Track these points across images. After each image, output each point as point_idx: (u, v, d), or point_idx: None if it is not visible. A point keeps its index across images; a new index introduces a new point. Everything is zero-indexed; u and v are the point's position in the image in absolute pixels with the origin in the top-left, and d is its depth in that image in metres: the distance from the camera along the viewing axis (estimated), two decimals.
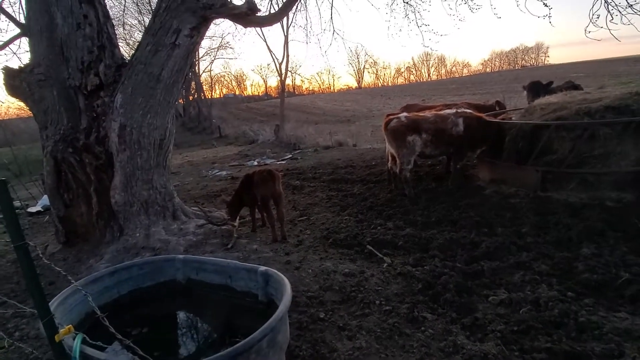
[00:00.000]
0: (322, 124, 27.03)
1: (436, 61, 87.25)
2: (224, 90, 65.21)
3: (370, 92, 52.17)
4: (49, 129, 4.44)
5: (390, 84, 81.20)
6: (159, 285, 2.26)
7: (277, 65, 22.84)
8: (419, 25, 8.44)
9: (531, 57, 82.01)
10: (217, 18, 4.77)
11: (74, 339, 1.43)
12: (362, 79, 79.47)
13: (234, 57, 42.98)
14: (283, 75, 23.41)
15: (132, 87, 4.29)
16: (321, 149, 17.43)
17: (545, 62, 77.62)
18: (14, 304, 3.08)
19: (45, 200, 9.22)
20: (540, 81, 7.33)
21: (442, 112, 5.33)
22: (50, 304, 1.77)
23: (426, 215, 4.41)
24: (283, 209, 4.09)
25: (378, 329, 2.32)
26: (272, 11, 8.81)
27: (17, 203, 9.31)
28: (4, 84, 4.61)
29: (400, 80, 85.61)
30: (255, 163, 14.26)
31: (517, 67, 75.86)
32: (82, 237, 4.56)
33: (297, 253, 3.59)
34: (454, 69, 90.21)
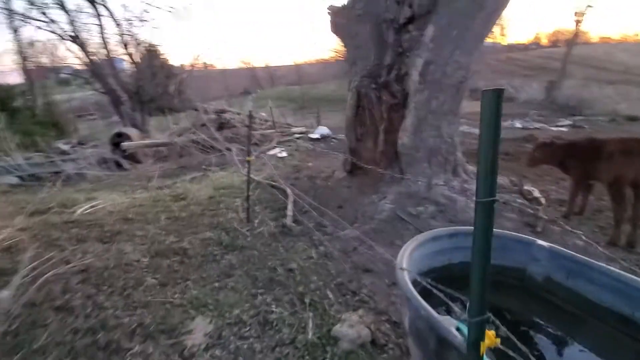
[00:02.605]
0: (621, 85, 19.43)
1: None
2: None
3: None
4: (358, 65, 4.67)
5: None
6: (500, 269, 1.71)
7: None
8: None
9: None
10: None
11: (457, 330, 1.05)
12: None
13: None
14: (582, 13, 17.57)
15: (448, 17, 3.75)
16: (622, 119, 12.54)
17: None
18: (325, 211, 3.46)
19: (320, 130, 11.09)
20: None
21: None
22: (402, 250, 1.52)
23: None
24: None
25: None
26: None
27: (302, 129, 11.72)
28: (330, 21, 5.15)
29: None
30: (518, 125, 11.89)
31: None
32: (364, 171, 4.84)
33: None
34: None
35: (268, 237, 3.34)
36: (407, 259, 1.48)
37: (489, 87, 0.77)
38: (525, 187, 3.68)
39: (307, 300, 2.24)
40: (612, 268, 1.38)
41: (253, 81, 37.35)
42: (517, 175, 5.14)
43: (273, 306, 2.23)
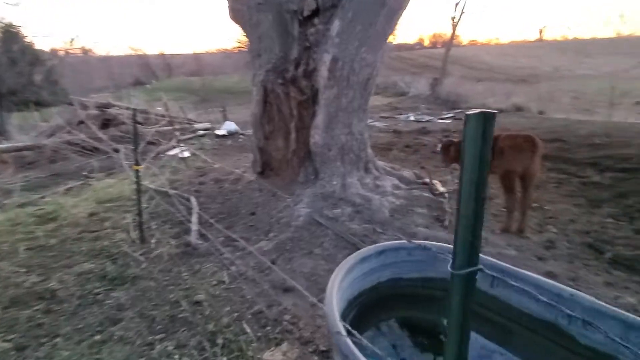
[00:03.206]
0: (486, 82, 23.05)
1: None
2: None
3: (558, 47, 41.27)
4: (262, 58, 4.31)
5: (588, 38, 62.65)
6: (426, 280, 1.64)
7: (454, 7, 19.67)
8: None
9: None
10: None
11: None
12: (544, 28, 63.71)
13: None
14: (456, 19, 20.16)
15: (352, 12, 3.66)
16: None
17: None
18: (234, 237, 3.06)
19: (227, 125, 10.37)
20: None
21: None
22: (330, 288, 1.29)
23: None
24: (532, 192, 3.01)
25: None
26: None
27: (207, 124, 10.81)
28: (228, 7, 4.65)
29: (605, 35, 64.81)
30: (412, 118, 13.04)
31: None
32: (275, 172, 4.55)
33: (555, 262, 2.56)
34: None
35: (168, 261, 2.81)
36: (336, 293, 1.26)
37: (473, 111, 0.56)
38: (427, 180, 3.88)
39: (219, 341, 1.88)
40: (530, 274, 1.39)
41: (146, 70, 33.34)
42: (418, 168, 5.51)
43: (176, 356, 1.81)
